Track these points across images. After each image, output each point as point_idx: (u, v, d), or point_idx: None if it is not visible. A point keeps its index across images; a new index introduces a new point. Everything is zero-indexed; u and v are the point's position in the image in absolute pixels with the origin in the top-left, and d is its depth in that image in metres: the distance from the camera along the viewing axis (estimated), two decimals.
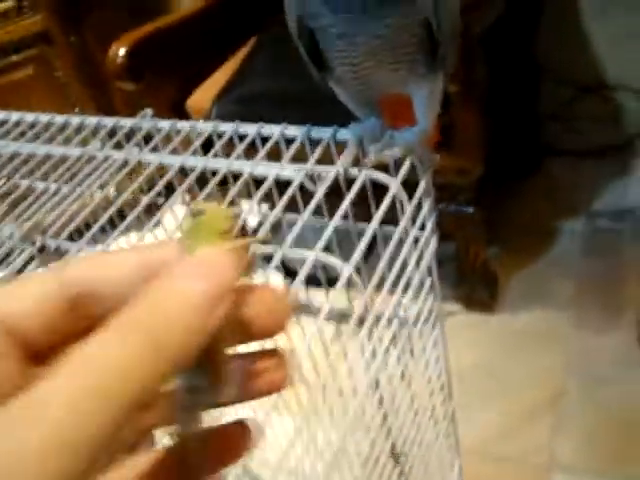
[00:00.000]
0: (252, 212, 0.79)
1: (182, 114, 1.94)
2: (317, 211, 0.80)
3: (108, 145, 0.96)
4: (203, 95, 1.92)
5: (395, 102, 0.83)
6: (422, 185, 0.81)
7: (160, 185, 0.86)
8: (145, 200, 0.84)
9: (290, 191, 0.76)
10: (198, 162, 0.87)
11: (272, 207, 0.79)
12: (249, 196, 0.82)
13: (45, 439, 0.19)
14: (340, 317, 0.67)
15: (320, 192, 0.75)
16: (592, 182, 2.22)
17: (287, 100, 1.75)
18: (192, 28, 1.98)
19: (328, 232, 0.70)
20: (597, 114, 2.27)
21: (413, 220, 0.80)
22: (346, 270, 0.64)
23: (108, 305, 0.26)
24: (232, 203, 0.78)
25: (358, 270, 0.66)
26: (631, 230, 2.05)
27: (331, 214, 0.75)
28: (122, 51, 1.78)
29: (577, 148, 2.27)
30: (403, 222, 0.77)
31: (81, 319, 0.27)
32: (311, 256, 0.65)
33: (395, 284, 0.76)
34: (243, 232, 0.30)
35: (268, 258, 0.68)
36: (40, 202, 0.89)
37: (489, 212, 1.79)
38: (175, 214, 0.82)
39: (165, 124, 0.95)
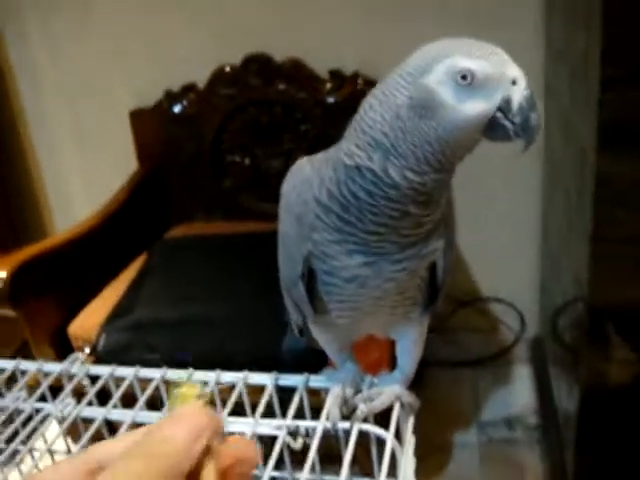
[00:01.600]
0: None
1: (63, 341, 1.80)
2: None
3: None
4: (87, 321, 1.80)
5: (367, 344, 0.80)
6: (409, 431, 0.76)
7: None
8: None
9: (277, 450, 0.68)
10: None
11: None
12: None
13: None
14: None
15: (313, 451, 0.67)
16: (475, 392, 2.27)
17: (182, 327, 1.68)
18: (77, 249, 1.90)
19: None
20: (474, 325, 2.37)
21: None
22: None
23: None
24: None
25: None
26: (523, 438, 2.08)
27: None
28: (3, 275, 1.65)
29: (455, 359, 2.34)
30: (401, 476, 0.70)
31: None
32: None
33: None
34: None
35: None
36: None
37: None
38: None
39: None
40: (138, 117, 2.25)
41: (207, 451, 0.36)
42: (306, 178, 0.64)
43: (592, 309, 1.54)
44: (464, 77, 0.55)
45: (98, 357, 1.64)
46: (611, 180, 1.40)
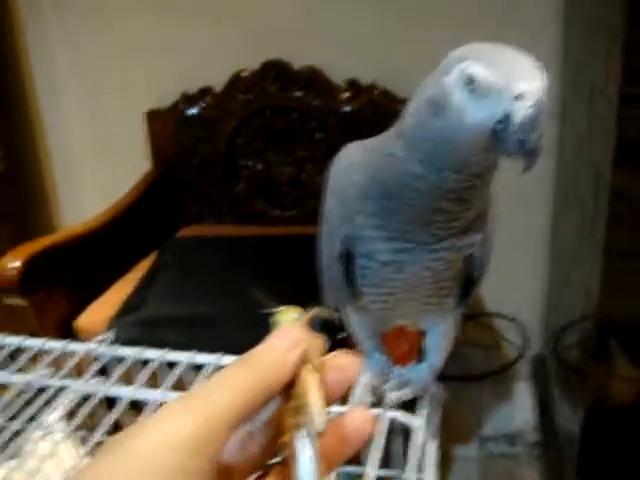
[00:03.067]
0: None
1: (69, 334, 1.80)
2: None
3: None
4: (95, 315, 1.79)
5: (397, 336, 0.81)
6: (435, 422, 0.77)
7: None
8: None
9: None
10: None
11: None
12: None
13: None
14: None
15: None
16: (477, 407, 2.27)
17: (192, 325, 1.68)
18: (88, 244, 1.91)
19: None
20: (476, 340, 2.38)
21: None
22: None
23: None
24: None
25: None
26: (523, 454, 2.08)
27: None
28: (16, 264, 1.65)
29: (458, 373, 2.34)
30: (430, 466, 0.71)
31: None
32: None
33: None
34: None
35: None
36: None
37: None
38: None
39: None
40: (154, 118, 2.26)
41: (304, 361, 0.39)
42: (353, 162, 0.65)
43: (600, 325, 1.55)
44: (470, 82, 0.54)
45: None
46: (626, 195, 1.42)
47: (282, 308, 0.42)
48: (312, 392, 0.39)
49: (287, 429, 0.39)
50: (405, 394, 0.74)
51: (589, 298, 1.62)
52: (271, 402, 0.40)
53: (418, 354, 0.82)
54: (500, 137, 0.54)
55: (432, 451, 0.75)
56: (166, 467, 0.33)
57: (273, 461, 0.43)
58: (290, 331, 0.40)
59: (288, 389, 0.39)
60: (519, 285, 2.32)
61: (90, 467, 0.34)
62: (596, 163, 1.55)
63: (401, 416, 0.71)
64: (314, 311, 0.43)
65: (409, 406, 0.76)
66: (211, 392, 0.36)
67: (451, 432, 2.16)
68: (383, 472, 0.74)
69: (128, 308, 1.76)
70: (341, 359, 0.41)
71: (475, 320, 2.39)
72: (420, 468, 0.73)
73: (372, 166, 0.62)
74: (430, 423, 0.76)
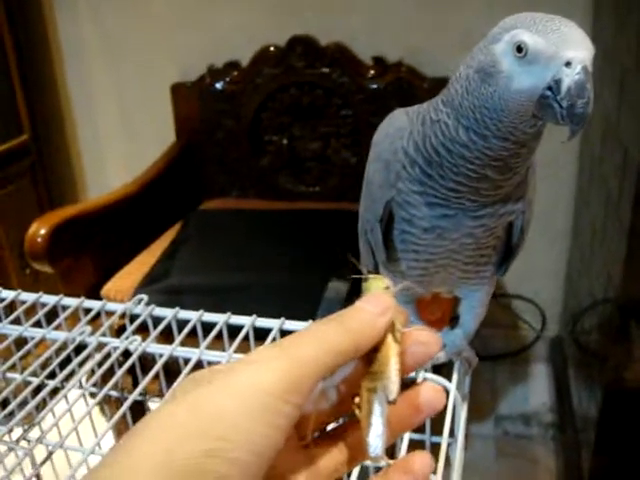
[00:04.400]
0: None
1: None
2: None
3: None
4: (120, 284, 1.82)
5: (431, 303, 0.82)
6: (466, 385, 0.78)
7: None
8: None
9: None
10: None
11: None
12: None
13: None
14: None
15: None
16: (494, 386, 2.28)
17: (216, 294, 1.69)
18: (113, 214, 1.93)
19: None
20: (495, 321, 2.39)
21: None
22: None
23: None
24: None
25: None
26: (538, 435, 2.09)
27: None
28: (43, 231, 1.68)
29: (476, 353, 2.35)
30: (461, 430, 0.72)
31: None
32: None
33: None
34: None
35: None
36: None
37: None
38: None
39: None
40: (179, 91, 2.27)
41: (390, 329, 0.41)
42: (399, 127, 0.66)
43: (622, 308, 1.55)
44: (520, 49, 0.55)
45: (132, 318, 1.67)
46: None
47: (372, 276, 0.44)
48: (391, 361, 0.40)
49: (363, 391, 0.41)
50: (439, 357, 0.75)
51: (611, 281, 1.62)
52: (349, 364, 0.42)
53: (450, 320, 0.83)
54: (548, 103, 0.55)
55: (463, 415, 0.77)
56: (256, 408, 0.34)
57: (333, 425, 0.45)
58: (381, 297, 0.41)
59: (369, 353, 0.41)
60: (539, 267, 2.33)
61: (182, 402, 0.34)
62: (624, 144, 1.55)
63: (435, 377, 0.72)
64: (404, 285, 0.45)
65: (440, 370, 0.77)
66: (302, 343, 0.38)
67: (467, 410, 2.17)
68: (415, 436, 0.76)
69: (152, 278, 1.78)
70: (424, 335, 0.42)
71: (494, 301, 2.40)
72: (451, 432, 0.74)
73: (418, 133, 0.63)
74: (461, 387, 0.78)
